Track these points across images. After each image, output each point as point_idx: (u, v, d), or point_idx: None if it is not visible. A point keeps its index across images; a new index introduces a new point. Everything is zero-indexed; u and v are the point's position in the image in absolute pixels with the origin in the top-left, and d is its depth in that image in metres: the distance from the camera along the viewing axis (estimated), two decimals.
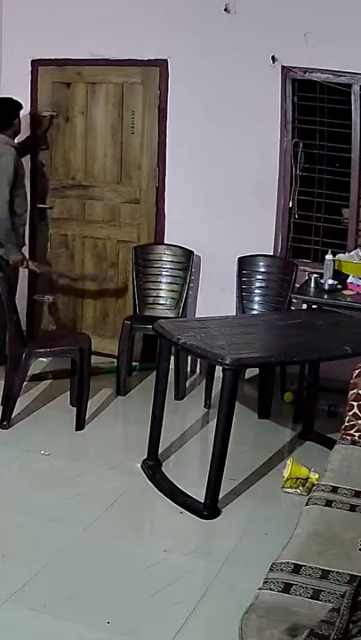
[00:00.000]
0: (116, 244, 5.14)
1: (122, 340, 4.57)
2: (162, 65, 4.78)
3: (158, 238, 5.00)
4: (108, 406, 4.37)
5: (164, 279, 4.89)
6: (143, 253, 4.91)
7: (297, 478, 3.43)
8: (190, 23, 4.67)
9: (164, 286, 4.89)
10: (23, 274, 4.89)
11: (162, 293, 4.89)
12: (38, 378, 4.65)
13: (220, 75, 4.68)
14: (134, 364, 4.84)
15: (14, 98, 4.57)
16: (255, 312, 4.63)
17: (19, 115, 4.58)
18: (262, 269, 4.68)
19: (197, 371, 5.02)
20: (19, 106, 4.57)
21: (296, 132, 4.64)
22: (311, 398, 4.07)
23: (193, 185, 4.87)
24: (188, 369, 4.90)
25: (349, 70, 4.36)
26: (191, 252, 4.81)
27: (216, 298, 4.81)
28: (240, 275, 4.69)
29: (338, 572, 2.01)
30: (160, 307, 4.84)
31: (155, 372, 3.66)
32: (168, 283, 4.88)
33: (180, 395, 4.50)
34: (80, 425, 4.00)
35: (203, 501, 3.18)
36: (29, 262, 4.57)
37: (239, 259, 4.68)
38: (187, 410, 4.41)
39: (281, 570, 2.02)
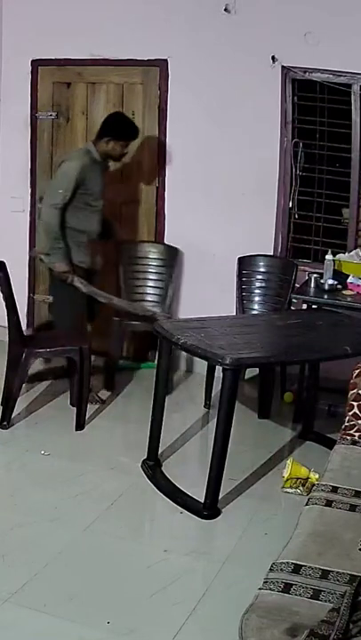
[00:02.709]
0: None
1: (112, 338, 4.60)
2: (162, 65, 4.78)
3: (158, 238, 5.00)
4: (108, 406, 4.37)
5: (150, 276, 4.93)
6: (129, 251, 4.92)
7: (297, 478, 3.43)
8: (190, 23, 4.67)
9: (150, 283, 4.93)
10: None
11: (148, 290, 4.92)
12: (38, 378, 4.65)
13: (220, 75, 4.68)
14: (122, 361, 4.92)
15: (130, 126, 4.29)
16: (255, 312, 4.63)
17: (117, 139, 4.21)
18: (262, 269, 4.68)
19: (193, 370, 5.01)
20: (120, 132, 4.22)
21: (296, 131, 4.64)
22: (311, 398, 4.07)
23: (193, 185, 4.87)
24: (184, 368, 4.93)
25: (349, 70, 4.35)
26: (176, 250, 4.85)
27: (216, 298, 4.81)
28: (240, 275, 4.69)
29: (338, 572, 2.01)
30: (147, 304, 4.85)
31: (155, 372, 3.66)
32: (154, 280, 4.93)
33: (168, 390, 4.45)
34: (80, 425, 4.00)
35: (203, 501, 3.18)
36: (75, 278, 4.21)
37: (239, 259, 4.68)
38: (187, 410, 4.41)
39: (281, 570, 2.03)
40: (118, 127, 4.25)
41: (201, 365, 4.68)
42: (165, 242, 4.97)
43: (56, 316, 4.61)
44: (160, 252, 4.93)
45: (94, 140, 4.29)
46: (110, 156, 4.32)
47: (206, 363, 3.92)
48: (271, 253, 4.74)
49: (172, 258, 4.89)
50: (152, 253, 4.94)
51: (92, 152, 4.24)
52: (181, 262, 4.94)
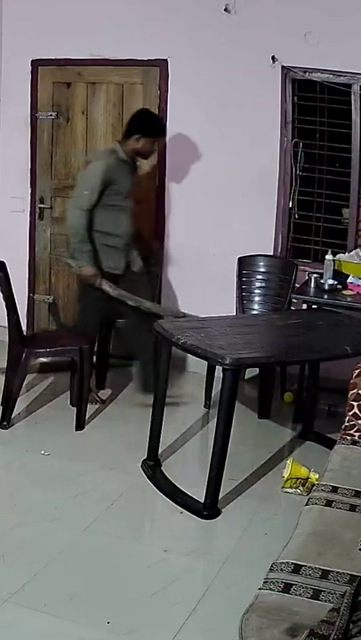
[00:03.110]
0: None
1: (100, 335, 4.61)
2: (162, 65, 4.78)
3: (158, 238, 5.00)
4: (108, 406, 4.37)
5: None
6: None
7: (297, 478, 3.43)
8: (190, 23, 4.67)
9: None
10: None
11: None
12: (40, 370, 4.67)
13: (220, 75, 4.68)
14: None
15: (159, 122, 4.24)
16: (255, 312, 4.63)
17: (147, 135, 4.13)
18: (262, 269, 4.68)
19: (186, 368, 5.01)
20: (150, 128, 4.15)
21: (296, 131, 4.64)
22: (311, 398, 4.07)
23: (193, 185, 4.87)
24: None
25: (349, 70, 4.36)
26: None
27: (216, 298, 4.81)
28: (240, 275, 4.69)
29: (338, 572, 2.00)
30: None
31: (154, 372, 3.66)
32: None
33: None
34: (80, 425, 4.00)
35: (203, 501, 3.18)
36: (103, 281, 4.12)
37: (239, 259, 4.68)
38: (187, 410, 4.41)
39: (281, 570, 2.02)
40: (148, 123, 4.18)
41: (193, 363, 4.69)
42: (165, 241, 4.97)
43: (78, 321, 4.52)
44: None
45: (121, 140, 4.23)
46: (140, 154, 4.23)
47: (202, 362, 3.91)
48: (271, 253, 4.74)
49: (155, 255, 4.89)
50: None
51: (119, 151, 4.16)
52: (199, 264, 4.93)
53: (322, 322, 3.85)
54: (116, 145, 4.24)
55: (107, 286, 4.14)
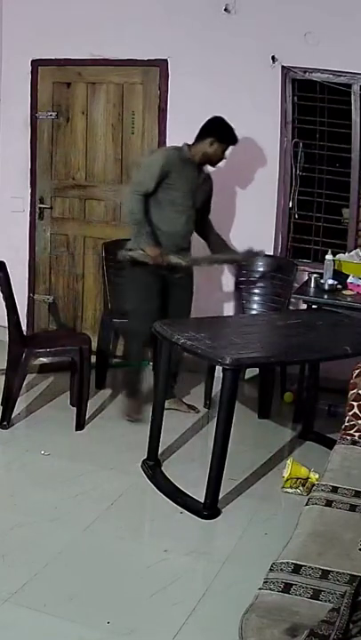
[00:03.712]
0: None
1: (100, 335, 4.63)
2: (162, 65, 4.78)
3: None
4: (108, 406, 4.37)
5: None
6: (113, 248, 4.76)
7: (297, 478, 3.43)
8: (190, 23, 4.68)
9: None
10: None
11: None
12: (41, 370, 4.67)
13: (219, 75, 4.68)
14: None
15: (234, 131, 4.04)
16: (255, 312, 4.63)
17: (221, 141, 4.03)
18: (262, 269, 4.68)
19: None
20: (225, 133, 4.04)
21: (296, 131, 4.64)
22: (311, 398, 4.07)
23: None
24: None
25: (349, 70, 4.36)
26: None
27: (216, 298, 4.81)
28: (240, 275, 4.69)
29: (338, 572, 2.00)
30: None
31: (154, 372, 3.66)
32: None
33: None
34: (80, 425, 4.00)
35: (203, 501, 3.18)
36: (170, 256, 3.97)
37: None
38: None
39: (281, 570, 2.02)
40: (223, 130, 4.07)
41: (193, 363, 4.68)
42: None
43: (134, 310, 4.21)
44: None
45: (192, 143, 4.11)
46: (209, 158, 4.12)
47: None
48: (271, 253, 4.74)
49: None
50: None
51: (183, 150, 4.08)
52: None
53: (322, 322, 3.85)
54: (183, 145, 4.16)
55: (175, 259, 4.01)
